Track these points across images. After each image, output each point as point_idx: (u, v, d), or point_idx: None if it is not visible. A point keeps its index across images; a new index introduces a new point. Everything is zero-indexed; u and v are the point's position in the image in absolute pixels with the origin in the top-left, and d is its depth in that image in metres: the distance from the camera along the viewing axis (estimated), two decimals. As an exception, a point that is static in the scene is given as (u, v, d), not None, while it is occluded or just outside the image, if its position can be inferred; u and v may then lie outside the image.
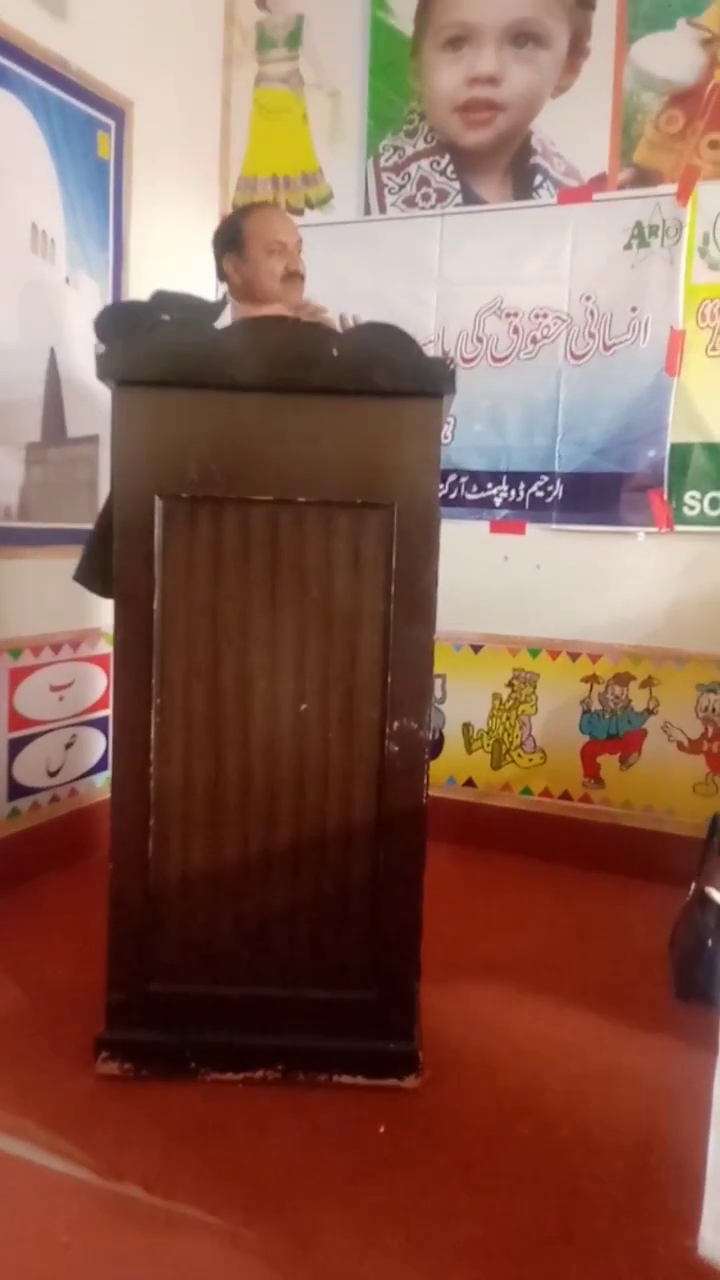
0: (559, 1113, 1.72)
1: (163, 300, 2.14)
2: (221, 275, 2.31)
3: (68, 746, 2.75)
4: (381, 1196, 1.49)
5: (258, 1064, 1.75)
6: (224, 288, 2.32)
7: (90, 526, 2.73)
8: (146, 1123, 1.64)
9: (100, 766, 2.85)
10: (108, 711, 2.76)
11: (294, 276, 2.24)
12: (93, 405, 2.65)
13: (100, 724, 2.83)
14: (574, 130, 2.82)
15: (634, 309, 2.75)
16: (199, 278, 3.07)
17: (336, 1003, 1.75)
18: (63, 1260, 1.34)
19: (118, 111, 2.73)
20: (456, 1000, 2.06)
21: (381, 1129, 1.65)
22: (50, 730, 2.68)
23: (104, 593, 1.97)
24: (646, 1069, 1.86)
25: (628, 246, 2.74)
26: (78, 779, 2.80)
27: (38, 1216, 1.43)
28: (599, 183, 2.79)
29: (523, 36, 2.85)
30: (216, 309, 2.23)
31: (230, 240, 2.27)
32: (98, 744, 2.85)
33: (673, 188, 2.69)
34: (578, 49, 2.81)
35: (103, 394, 1.86)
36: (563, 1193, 1.52)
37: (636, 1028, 2.00)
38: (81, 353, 2.61)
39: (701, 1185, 1.02)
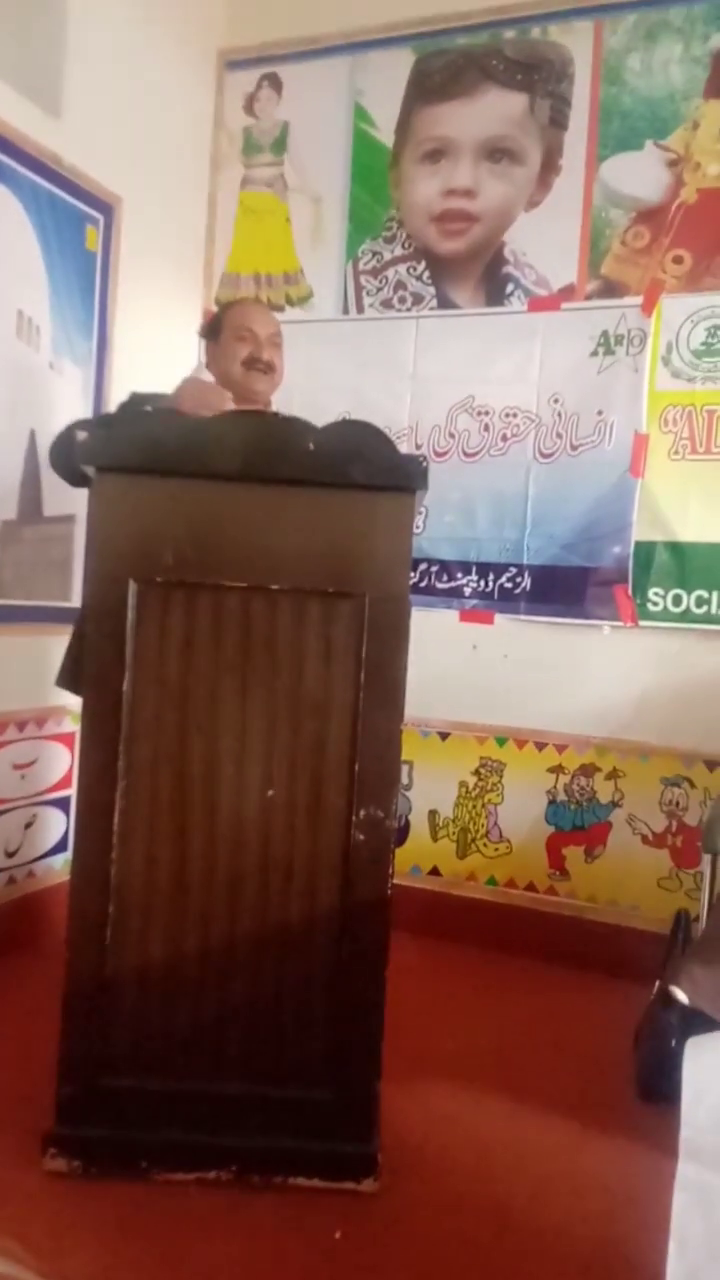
0: (520, 1218, 1.68)
1: (137, 401, 2.21)
2: (207, 364, 2.40)
3: (27, 826, 2.71)
4: (336, 1307, 1.44)
5: (211, 1164, 1.69)
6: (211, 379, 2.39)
7: (62, 604, 2.74)
8: (94, 1223, 1.58)
9: (60, 848, 2.81)
10: (70, 791, 2.74)
11: (256, 364, 2.29)
12: (70, 487, 2.68)
13: (62, 804, 2.80)
14: (545, 242, 2.95)
15: (600, 412, 2.84)
16: (180, 368, 3.14)
17: (294, 1101, 1.71)
18: None
19: (107, 207, 2.83)
20: (417, 1100, 2.02)
21: (338, 1234, 1.59)
22: (10, 809, 2.64)
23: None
24: (608, 1173, 1.83)
25: (594, 353, 2.85)
26: (36, 860, 2.75)
27: (-25, 1326, 1.36)
28: (568, 293, 2.92)
29: (498, 152, 3.00)
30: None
31: (211, 329, 2.39)
32: (58, 824, 2.81)
33: (638, 300, 2.82)
34: (550, 166, 2.95)
35: (81, 478, 1.88)
36: (522, 1305, 1.48)
37: (599, 1130, 1.97)
38: (62, 435, 2.66)
39: (663, 1297, 1.00)
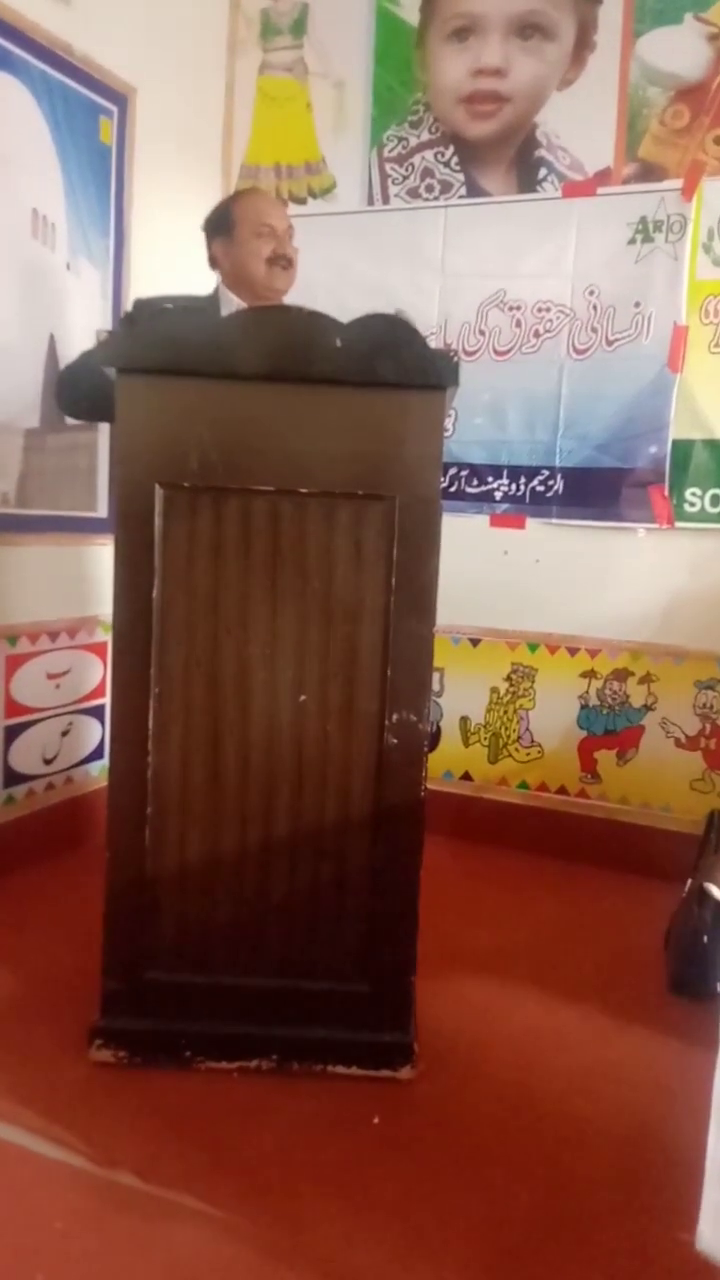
0: (553, 1106, 1.72)
1: (144, 306, 2.17)
2: (212, 261, 2.31)
3: (64, 734, 2.74)
4: (376, 1187, 1.49)
5: (252, 1053, 1.75)
6: (217, 277, 2.31)
7: (88, 514, 2.73)
8: (141, 1111, 1.64)
9: (96, 755, 2.85)
10: (105, 700, 2.77)
11: (281, 260, 2.21)
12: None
13: (97, 712, 2.83)
14: (579, 124, 2.80)
15: (637, 304, 2.74)
16: (200, 265, 3.06)
17: (332, 993, 1.75)
18: (56, 1247, 1.34)
19: (121, 97, 2.72)
20: (451, 993, 2.06)
21: (376, 1120, 1.65)
22: (47, 718, 2.68)
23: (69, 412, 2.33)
24: (640, 1063, 1.86)
25: (631, 241, 2.74)
26: (74, 766, 2.79)
27: (31, 1203, 1.42)
28: (604, 177, 2.79)
29: (529, 29, 2.84)
30: (205, 304, 2.23)
31: (219, 224, 2.28)
32: (94, 732, 2.85)
33: (678, 183, 2.69)
34: (584, 42, 2.79)
35: (104, 381, 1.83)
36: (557, 1185, 1.52)
37: (631, 1022, 2.00)
38: (81, 339, 2.60)
39: (696, 1180, 1.02)
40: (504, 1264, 1.35)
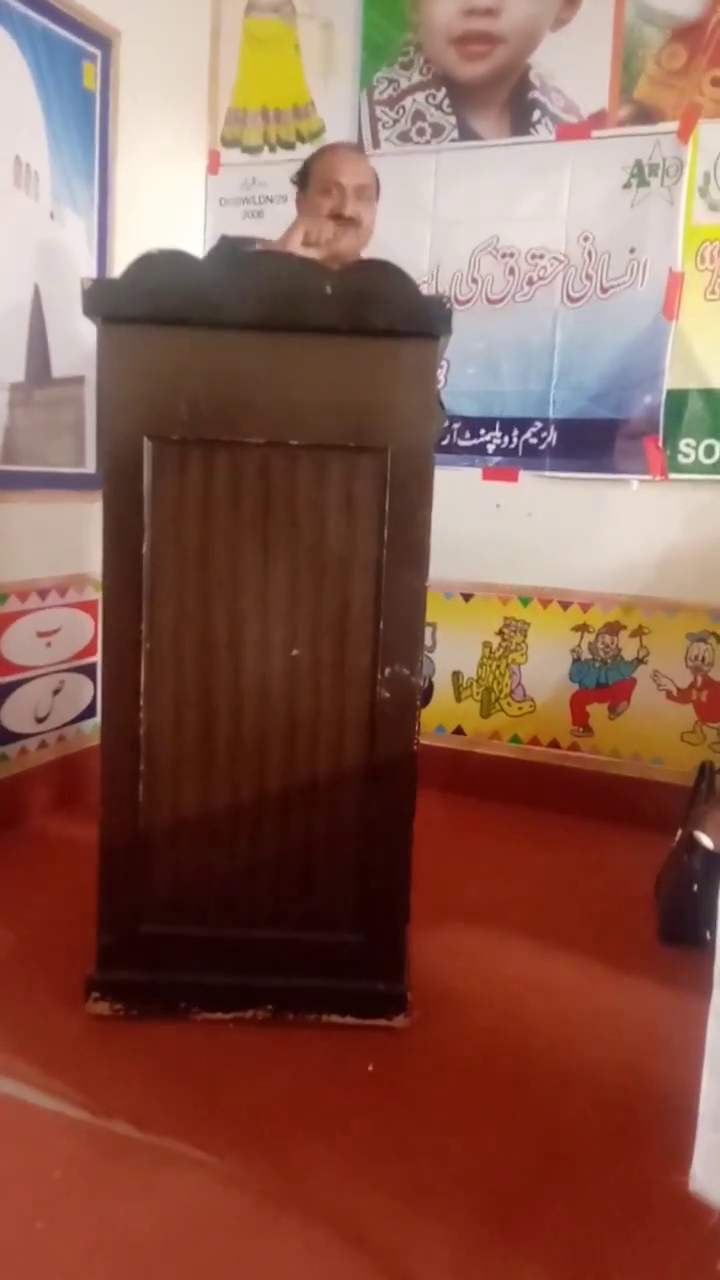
0: (545, 1052, 1.74)
1: (230, 242, 2.18)
2: (298, 215, 2.28)
3: (56, 693, 2.74)
4: (370, 1133, 1.51)
5: (248, 1004, 1.76)
6: None
7: (76, 470, 2.70)
8: (137, 1061, 1.65)
9: (89, 713, 2.84)
10: (96, 659, 2.76)
11: (338, 219, 2.17)
12: (78, 346, 2.60)
13: (89, 670, 2.82)
14: (574, 65, 2.74)
15: (632, 250, 2.70)
16: (186, 214, 3.01)
17: (327, 944, 1.77)
18: (55, 1195, 1.35)
19: (104, 41, 2.64)
20: (445, 943, 2.08)
21: (370, 1067, 1.67)
22: (38, 676, 2.66)
23: None
24: (632, 1009, 1.89)
25: (627, 185, 2.69)
26: (66, 725, 2.78)
27: (29, 1153, 1.44)
28: (598, 119, 2.73)
29: (522, -34, 2.76)
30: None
31: (299, 177, 2.27)
32: (86, 691, 2.84)
33: (674, 126, 2.63)
34: (578, -20, 2.72)
35: (89, 334, 1.81)
36: (549, 1130, 1.54)
37: (622, 969, 2.02)
38: (67, 291, 2.55)
39: (689, 1123, 1.03)
40: (499, 1208, 1.37)
